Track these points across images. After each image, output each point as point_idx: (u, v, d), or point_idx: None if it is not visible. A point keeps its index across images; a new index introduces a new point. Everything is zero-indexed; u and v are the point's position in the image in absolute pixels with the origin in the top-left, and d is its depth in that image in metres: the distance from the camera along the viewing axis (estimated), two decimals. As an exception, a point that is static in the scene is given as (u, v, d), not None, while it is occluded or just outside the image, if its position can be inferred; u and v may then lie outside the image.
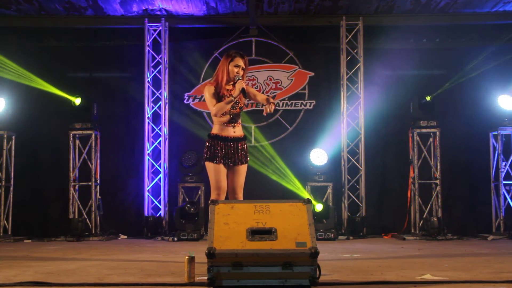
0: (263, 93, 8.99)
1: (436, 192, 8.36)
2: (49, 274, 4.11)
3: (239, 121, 4.74)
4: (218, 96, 4.63)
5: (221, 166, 4.61)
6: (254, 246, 3.27)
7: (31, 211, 8.85)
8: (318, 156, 8.52)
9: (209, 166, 4.64)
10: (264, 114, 4.56)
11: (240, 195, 4.70)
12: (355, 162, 8.84)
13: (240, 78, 4.59)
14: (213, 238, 3.30)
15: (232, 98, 4.56)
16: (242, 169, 4.69)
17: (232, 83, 4.66)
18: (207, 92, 4.66)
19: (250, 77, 9.02)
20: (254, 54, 9.11)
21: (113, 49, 9.29)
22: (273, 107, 4.47)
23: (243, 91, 4.54)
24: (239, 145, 4.68)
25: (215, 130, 4.69)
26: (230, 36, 9.09)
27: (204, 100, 9.03)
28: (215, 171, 4.60)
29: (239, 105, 4.69)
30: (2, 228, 8.16)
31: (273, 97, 9.04)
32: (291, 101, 9.07)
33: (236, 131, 4.69)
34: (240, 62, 4.64)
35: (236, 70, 4.62)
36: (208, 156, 4.63)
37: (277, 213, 3.46)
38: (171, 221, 8.58)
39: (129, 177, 9.14)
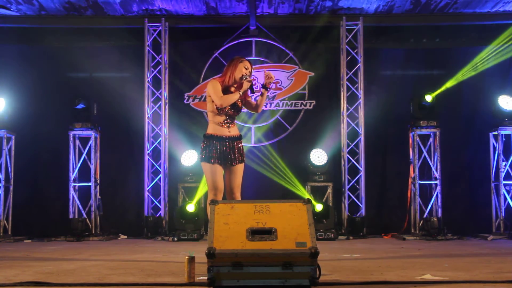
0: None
1: (436, 192, 8.36)
2: (49, 274, 4.11)
3: (234, 121, 4.77)
4: (223, 92, 4.67)
5: (217, 166, 4.61)
6: (254, 246, 3.27)
7: (31, 211, 8.84)
8: (318, 156, 8.52)
9: (205, 166, 4.64)
10: (268, 81, 4.75)
11: (238, 195, 4.70)
12: (355, 163, 8.84)
13: (248, 77, 4.70)
14: (213, 238, 3.30)
15: (240, 94, 4.65)
16: (239, 169, 4.70)
17: (236, 85, 4.72)
18: (212, 84, 4.69)
19: (250, 77, 8.99)
20: (254, 54, 9.11)
21: (113, 49, 9.28)
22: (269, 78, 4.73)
23: (251, 88, 4.69)
24: (235, 144, 4.69)
25: (210, 130, 4.70)
26: (230, 36, 9.09)
27: (204, 100, 9.14)
28: (211, 172, 4.61)
29: (237, 108, 4.74)
30: (2, 228, 8.17)
31: (273, 97, 9.05)
32: (291, 101, 9.07)
33: (231, 130, 4.70)
34: (249, 66, 4.77)
35: (245, 71, 4.71)
36: (203, 156, 4.65)
37: (277, 213, 3.46)
38: (171, 221, 8.58)
39: (129, 177, 9.15)
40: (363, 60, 8.92)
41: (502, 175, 8.23)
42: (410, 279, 3.69)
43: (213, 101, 4.66)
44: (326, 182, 8.54)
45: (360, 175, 8.78)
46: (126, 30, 9.25)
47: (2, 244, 7.63)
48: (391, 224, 8.82)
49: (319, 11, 8.95)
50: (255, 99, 4.92)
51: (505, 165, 8.30)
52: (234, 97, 4.64)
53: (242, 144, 4.79)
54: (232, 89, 4.73)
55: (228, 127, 4.69)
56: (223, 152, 4.63)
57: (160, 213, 8.76)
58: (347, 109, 8.95)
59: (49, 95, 8.97)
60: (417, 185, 8.36)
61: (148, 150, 8.92)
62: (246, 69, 4.73)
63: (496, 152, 8.33)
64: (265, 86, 4.76)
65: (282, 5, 8.70)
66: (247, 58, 4.89)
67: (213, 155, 4.61)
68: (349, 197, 8.79)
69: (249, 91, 4.76)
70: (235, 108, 4.71)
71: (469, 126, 8.96)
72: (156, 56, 9.09)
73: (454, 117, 8.97)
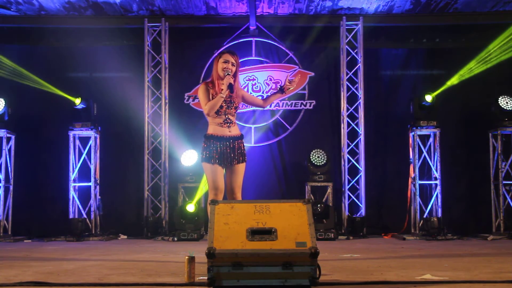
0: (262, 93, 8.99)
1: (436, 192, 8.36)
2: (49, 274, 4.11)
3: (235, 121, 4.74)
4: (212, 96, 4.63)
5: (218, 166, 4.60)
6: (254, 246, 3.27)
7: (31, 211, 8.84)
8: (318, 156, 8.52)
9: (206, 166, 4.63)
10: (288, 87, 4.73)
11: (239, 195, 4.69)
12: (355, 163, 8.84)
13: (229, 73, 4.60)
14: (213, 238, 3.30)
15: (221, 95, 4.56)
16: (240, 169, 4.68)
17: (223, 82, 4.64)
18: (200, 91, 4.69)
19: (250, 77, 9.02)
20: (254, 54, 9.11)
21: (113, 49, 9.27)
22: (290, 85, 4.70)
23: (230, 87, 4.55)
24: (236, 144, 4.66)
25: (210, 130, 4.68)
26: (230, 36, 9.08)
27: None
28: (212, 172, 4.60)
29: (234, 105, 4.69)
30: (2, 228, 8.17)
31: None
32: (291, 101, 9.07)
33: (232, 130, 4.68)
34: (229, 58, 4.64)
35: (225, 65, 4.62)
36: (204, 156, 4.63)
37: (277, 213, 3.46)
38: (171, 221, 8.57)
39: (129, 177, 9.15)
40: (363, 60, 8.92)
41: (502, 175, 8.23)
42: (410, 279, 3.69)
43: None
44: (326, 182, 8.54)
45: (360, 175, 8.78)
46: (126, 30, 9.25)
47: (2, 244, 7.63)
48: (391, 224, 8.82)
49: (319, 11, 8.95)
50: (266, 92, 4.83)
51: (505, 165, 8.30)
52: (218, 101, 4.57)
53: (244, 144, 4.78)
54: (224, 86, 4.66)
55: (229, 127, 4.67)
56: (224, 152, 4.62)
57: (160, 213, 8.76)
58: (347, 109, 8.95)
59: (49, 95, 8.96)
60: (417, 185, 8.36)
61: (148, 150, 8.92)
62: (226, 62, 4.62)
63: (496, 152, 8.33)
64: (282, 89, 4.73)
65: (282, 5, 8.70)
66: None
67: (213, 155, 4.60)
68: (349, 197, 8.79)
69: (235, 89, 4.64)
70: (232, 108, 4.68)
71: (469, 126, 8.96)
72: (156, 56, 9.09)
73: (454, 117, 8.97)
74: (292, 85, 4.72)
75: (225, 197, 4.71)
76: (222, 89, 4.57)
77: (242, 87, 8.81)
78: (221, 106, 4.61)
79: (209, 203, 3.54)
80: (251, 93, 8.92)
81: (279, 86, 4.81)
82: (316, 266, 3.26)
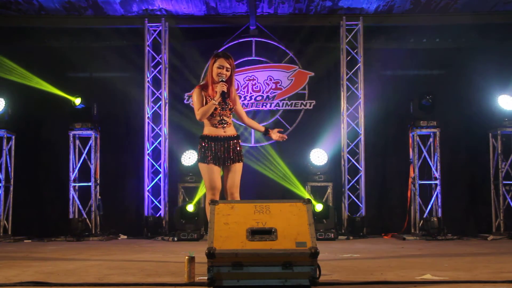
0: (262, 93, 8.99)
1: (436, 192, 8.36)
2: (49, 274, 4.11)
3: (230, 121, 4.75)
4: (205, 99, 4.63)
5: (213, 166, 4.61)
6: (254, 246, 3.27)
7: (31, 211, 8.85)
8: (318, 156, 8.52)
9: (202, 166, 4.65)
10: (273, 137, 4.93)
11: (237, 195, 4.69)
12: (355, 163, 8.84)
13: (224, 79, 4.59)
14: (213, 238, 3.30)
15: (213, 102, 4.57)
16: (237, 168, 4.69)
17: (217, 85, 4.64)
18: (194, 95, 4.71)
19: (250, 77, 9.02)
20: (254, 54, 9.10)
21: (113, 49, 9.27)
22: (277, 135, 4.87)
23: (222, 94, 4.55)
24: (231, 144, 4.67)
25: (205, 131, 4.70)
26: (230, 36, 9.09)
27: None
28: (208, 171, 4.61)
29: (229, 107, 4.69)
30: (2, 228, 8.17)
31: (273, 97, 9.03)
32: (291, 101, 9.07)
33: (227, 131, 4.68)
34: (224, 63, 4.61)
35: (219, 71, 4.60)
36: (200, 157, 4.65)
37: (277, 213, 3.46)
38: (171, 221, 8.58)
39: (129, 177, 9.15)
40: (363, 60, 8.91)
41: (502, 175, 8.23)
42: (410, 279, 3.69)
43: None
44: (326, 182, 8.54)
45: (360, 175, 8.78)
46: (126, 30, 9.24)
47: (2, 244, 7.63)
48: (391, 224, 8.82)
49: (319, 11, 8.95)
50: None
51: (505, 165, 8.30)
52: (211, 108, 4.58)
53: (240, 143, 4.77)
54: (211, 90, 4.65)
55: (224, 127, 4.68)
56: (219, 152, 4.63)
57: (160, 213, 8.76)
58: (347, 109, 8.95)
59: (49, 95, 8.96)
60: (417, 185, 8.36)
61: (148, 150, 8.92)
62: (221, 68, 4.60)
63: (496, 152, 8.33)
64: (267, 132, 4.89)
65: (282, 5, 8.70)
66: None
67: (209, 156, 4.61)
68: (349, 197, 8.79)
69: (229, 94, 4.66)
70: (227, 109, 4.68)
71: (469, 126, 8.96)
72: (156, 56, 9.09)
73: (454, 117, 8.97)
74: (278, 140, 4.92)
75: (222, 196, 4.70)
76: (216, 92, 4.58)
77: (242, 87, 8.88)
78: (215, 108, 4.63)
79: (209, 203, 3.54)
80: (251, 93, 8.94)
81: (266, 129, 4.87)
82: (316, 266, 3.26)
